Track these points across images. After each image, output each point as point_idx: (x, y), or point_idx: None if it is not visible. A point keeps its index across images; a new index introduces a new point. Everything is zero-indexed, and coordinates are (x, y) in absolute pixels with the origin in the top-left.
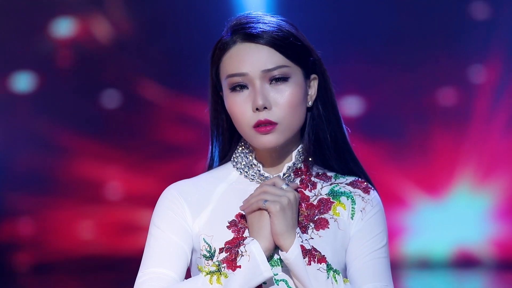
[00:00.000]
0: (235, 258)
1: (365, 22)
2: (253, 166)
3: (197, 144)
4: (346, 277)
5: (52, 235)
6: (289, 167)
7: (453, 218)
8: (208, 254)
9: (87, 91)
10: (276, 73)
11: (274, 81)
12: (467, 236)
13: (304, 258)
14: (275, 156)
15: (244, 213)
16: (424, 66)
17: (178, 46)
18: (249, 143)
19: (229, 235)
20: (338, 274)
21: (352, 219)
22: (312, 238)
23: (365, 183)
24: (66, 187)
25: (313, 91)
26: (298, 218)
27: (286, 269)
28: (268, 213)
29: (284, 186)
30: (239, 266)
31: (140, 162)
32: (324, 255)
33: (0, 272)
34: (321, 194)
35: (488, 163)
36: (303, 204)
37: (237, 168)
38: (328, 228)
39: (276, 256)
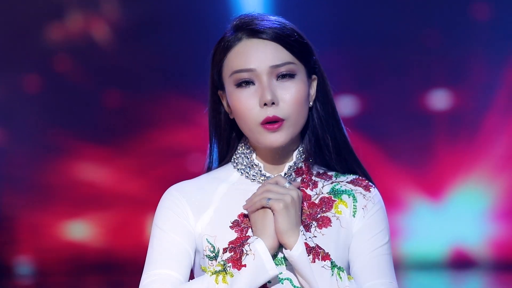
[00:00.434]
0: (240, 257)
1: (362, 22)
2: (254, 166)
3: (193, 146)
4: (349, 274)
5: (48, 236)
6: (290, 166)
7: (450, 219)
8: (211, 255)
9: (85, 92)
10: (283, 69)
11: (280, 78)
12: (464, 237)
13: (308, 255)
14: (276, 156)
15: (247, 213)
16: (420, 67)
17: (176, 47)
18: (252, 141)
19: (232, 235)
20: (343, 271)
21: (354, 216)
22: (315, 237)
23: (366, 181)
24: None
25: (313, 91)
26: (301, 216)
27: (290, 268)
28: (272, 211)
29: (287, 185)
30: (245, 265)
31: (135, 164)
32: (328, 253)
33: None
34: (322, 193)
35: (486, 163)
36: (305, 203)
37: (238, 169)
38: (331, 226)
39: (280, 255)
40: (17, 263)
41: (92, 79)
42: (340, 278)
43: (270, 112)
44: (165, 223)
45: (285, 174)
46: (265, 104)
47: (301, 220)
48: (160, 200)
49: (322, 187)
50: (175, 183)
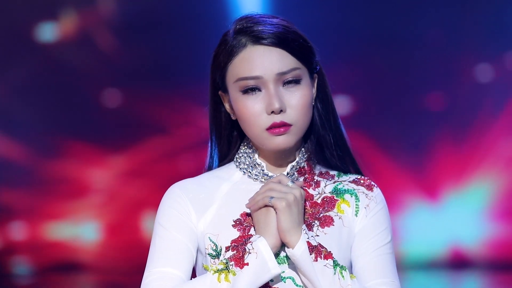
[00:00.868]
0: (243, 256)
1: (362, 22)
2: (257, 165)
3: (186, 146)
4: (351, 273)
5: (45, 236)
6: (293, 166)
7: (448, 219)
8: (214, 253)
9: (83, 91)
10: (289, 76)
11: (287, 84)
12: (462, 237)
13: (310, 254)
14: (279, 156)
15: (249, 212)
16: (417, 67)
17: (174, 46)
18: (257, 144)
19: (235, 233)
20: (345, 270)
21: (357, 216)
22: (318, 236)
23: (368, 181)
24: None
25: (314, 90)
26: (304, 216)
27: (292, 266)
28: (274, 209)
29: (290, 183)
30: (247, 264)
31: (128, 165)
32: (330, 251)
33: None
34: (324, 192)
35: (484, 163)
36: (307, 203)
37: (240, 168)
38: (333, 225)
39: (282, 254)
40: (14, 263)
41: (88, 78)
42: (343, 277)
43: (277, 118)
44: (167, 221)
45: (287, 174)
46: (272, 112)
47: (304, 219)
48: (163, 197)
49: (325, 186)
50: (169, 183)
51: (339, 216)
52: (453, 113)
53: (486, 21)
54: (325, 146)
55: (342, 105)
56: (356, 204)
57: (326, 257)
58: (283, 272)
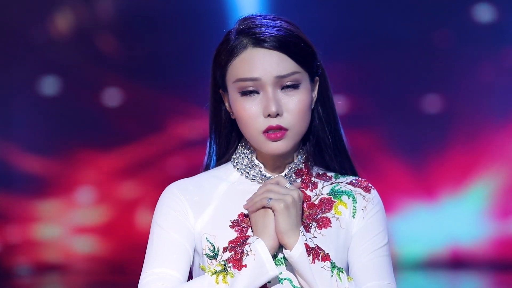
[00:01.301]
0: (241, 257)
1: (361, 22)
2: (254, 166)
3: (183, 145)
4: (348, 275)
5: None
6: (291, 167)
7: (447, 219)
8: (211, 254)
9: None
10: (288, 80)
11: (285, 88)
12: (461, 237)
13: (308, 256)
14: (277, 157)
15: (247, 213)
16: (413, 70)
17: (169, 46)
18: (254, 146)
19: (232, 234)
20: (342, 272)
21: (354, 217)
22: (315, 237)
23: (366, 182)
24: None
25: (315, 93)
26: (302, 217)
27: (290, 268)
28: (273, 211)
29: (288, 185)
30: (245, 265)
31: (118, 165)
32: (328, 253)
33: None
34: (322, 194)
35: (481, 163)
36: (304, 204)
37: (238, 169)
38: (331, 227)
39: (280, 255)
40: (15, 263)
41: (85, 77)
42: (340, 279)
43: (274, 121)
44: (164, 221)
45: (285, 175)
46: (269, 115)
47: (301, 221)
48: (160, 197)
49: (322, 188)
50: (164, 182)
51: (336, 218)
52: (454, 114)
53: (491, 24)
54: (324, 149)
55: (340, 104)
56: (353, 206)
57: (323, 259)
58: (281, 273)
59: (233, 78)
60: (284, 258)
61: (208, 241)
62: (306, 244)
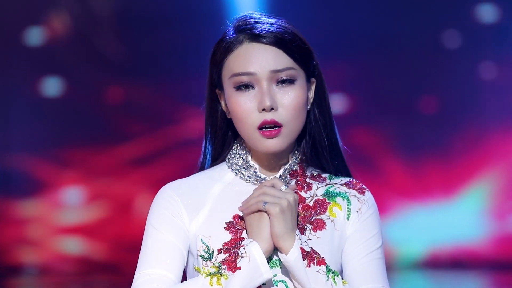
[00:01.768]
0: (235, 260)
1: (356, 22)
2: (249, 167)
3: (167, 148)
4: (342, 278)
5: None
6: (286, 169)
7: (451, 219)
8: (206, 255)
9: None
10: (283, 74)
11: (280, 83)
12: (465, 237)
13: (303, 260)
14: (272, 158)
15: (242, 215)
16: (412, 70)
17: (165, 45)
18: (249, 145)
19: (227, 236)
20: (337, 275)
21: (348, 219)
22: (310, 240)
23: (360, 184)
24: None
25: (311, 94)
26: (297, 220)
27: (285, 270)
28: (268, 215)
29: (283, 188)
30: (239, 268)
31: (106, 165)
32: (323, 257)
33: None
34: (316, 195)
35: (478, 163)
36: (299, 206)
37: (232, 169)
38: (325, 229)
39: (275, 257)
40: (24, 262)
41: (85, 78)
42: (335, 282)
43: (268, 116)
44: (159, 222)
45: (280, 176)
46: (263, 110)
47: (297, 223)
48: (155, 198)
49: (317, 189)
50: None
51: (331, 220)
52: (455, 114)
53: (492, 25)
54: (320, 151)
55: (338, 103)
56: (348, 208)
57: (319, 263)
58: (275, 275)
59: (228, 74)
60: (279, 260)
61: (202, 242)
62: (301, 248)
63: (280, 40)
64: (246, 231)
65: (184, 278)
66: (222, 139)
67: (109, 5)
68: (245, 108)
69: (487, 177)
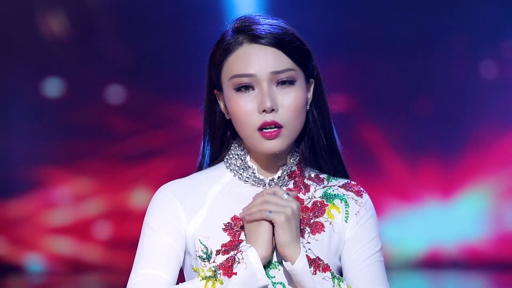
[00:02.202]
0: (232, 265)
1: (357, 22)
2: (248, 168)
3: (158, 148)
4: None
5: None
6: (284, 170)
7: (455, 219)
8: (204, 256)
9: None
10: (283, 76)
11: (280, 84)
12: (469, 236)
13: (310, 267)
14: (270, 159)
15: (239, 216)
16: (408, 71)
17: (165, 45)
18: (249, 145)
19: (225, 237)
20: (342, 281)
21: (346, 222)
22: (309, 243)
23: (358, 186)
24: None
25: (310, 95)
26: (300, 227)
27: (285, 272)
28: (272, 223)
29: (285, 196)
30: (235, 273)
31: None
32: (327, 264)
33: None
34: (314, 197)
35: (478, 163)
36: None
37: (231, 170)
38: (324, 231)
39: (274, 258)
40: (27, 260)
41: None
42: None
43: (269, 117)
44: (156, 222)
45: (278, 177)
46: (264, 111)
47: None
48: (152, 198)
49: (315, 191)
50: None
51: (329, 222)
52: (454, 115)
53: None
54: (318, 151)
55: (337, 103)
56: (346, 210)
57: (324, 270)
58: (274, 277)
59: (228, 75)
60: (278, 262)
61: (201, 243)
62: (307, 256)
63: (279, 41)
64: (245, 235)
65: (181, 278)
66: (221, 139)
67: (109, 5)
68: (245, 110)
69: (487, 177)
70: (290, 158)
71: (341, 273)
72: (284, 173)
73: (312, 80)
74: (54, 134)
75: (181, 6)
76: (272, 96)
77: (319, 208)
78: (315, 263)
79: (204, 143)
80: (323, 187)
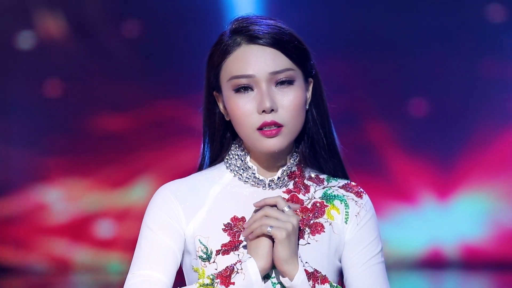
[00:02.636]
0: (230, 275)
1: (357, 22)
2: (248, 168)
3: (151, 147)
4: (342, 282)
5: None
6: (284, 170)
7: (454, 220)
8: (204, 256)
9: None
10: (282, 76)
11: (279, 84)
12: (469, 236)
13: (308, 281)
14: (270, 159)
15: (240, 216)
16: (401, 72)
17: (165, 45)
18: (248, 145)
19: (225, 238)
20: None
21: (346, 223)
22: (309, 243)
23: (358, 187)
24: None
25: (309, 94)
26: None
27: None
28: (273, 239)
29: (286, 208)
30: (233, 283)
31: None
32: (325, 275)
33: None
34: (314, 198)
35: (478, 163)
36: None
37: (231, 170)
38: (324, 232)
39: (274, 280)
40: (30, 261)
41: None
42: None
43: (268, 117)
44: (155, 223)
45: (278, 178)
46: (263, 111)
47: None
48: (152, 198)
49: (314, 192)
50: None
51: (329, 223)
52: (456, 115)
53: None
54: (318, 151)
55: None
56: (346, 211)
57: (322, 282)
58: (273, 277)
59: (227, 76)
60: (278, 282)
61: (201, 243)
62: (305, 270)
63: (278, 41)
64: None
65: (180, 277)
66: (221, 141)
67: (109, 6)
68: (244, 110)
69: (487, 177)
70: (290, 159)
71: (341, 274)
72: (284, 173)
73: (311, 79)
74: (54, 134)
75: (181, 6)
76: (272, 97)
77: (319, 209)
78: (314, 277)
79: (204, 145)
80: (323, 188)
